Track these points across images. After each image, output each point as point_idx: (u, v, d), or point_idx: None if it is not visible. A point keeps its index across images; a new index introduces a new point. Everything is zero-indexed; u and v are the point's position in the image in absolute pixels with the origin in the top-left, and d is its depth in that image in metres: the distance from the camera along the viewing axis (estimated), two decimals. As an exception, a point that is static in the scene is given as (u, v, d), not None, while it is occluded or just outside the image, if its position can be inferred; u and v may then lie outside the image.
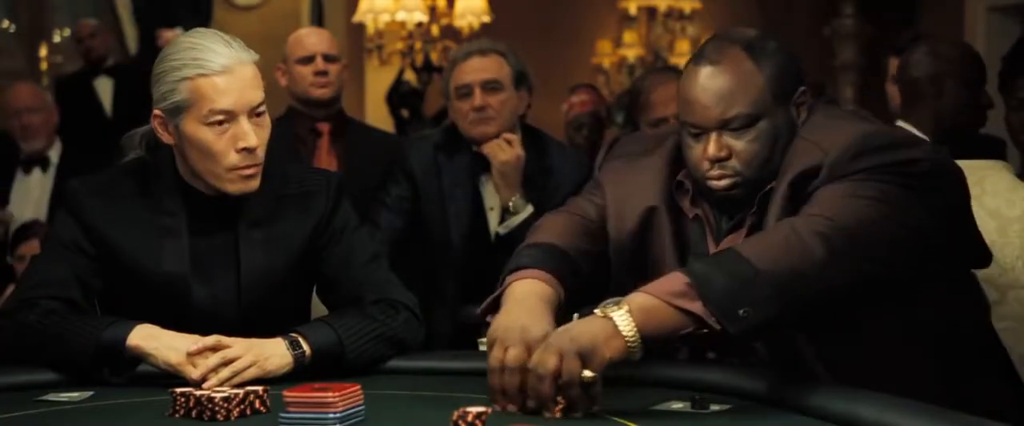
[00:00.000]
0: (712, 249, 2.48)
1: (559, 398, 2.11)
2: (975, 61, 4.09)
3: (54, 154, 6.14)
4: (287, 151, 4.35)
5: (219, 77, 2.61)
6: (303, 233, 2.80)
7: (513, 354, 2.19)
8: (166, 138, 2.71)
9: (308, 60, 4.51)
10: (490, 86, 4.00)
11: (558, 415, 2.09)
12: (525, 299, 2.38)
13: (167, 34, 8.22)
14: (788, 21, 7.61)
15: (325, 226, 2.81)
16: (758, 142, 2.39)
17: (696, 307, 2.15)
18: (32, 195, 6.09)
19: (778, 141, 2.40)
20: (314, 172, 2.96)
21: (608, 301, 2.20)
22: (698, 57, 2.45)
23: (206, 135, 2.64)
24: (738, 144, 2.39)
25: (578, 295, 2.54)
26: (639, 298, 2.18)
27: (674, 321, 2.17)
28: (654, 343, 2.17)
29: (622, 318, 2.14)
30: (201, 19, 8.72)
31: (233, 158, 2.65)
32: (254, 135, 2.64)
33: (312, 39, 4.61)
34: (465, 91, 4.01)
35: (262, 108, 2.67)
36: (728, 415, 2.16)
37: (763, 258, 2.18)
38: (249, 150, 2.64)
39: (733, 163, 2.39)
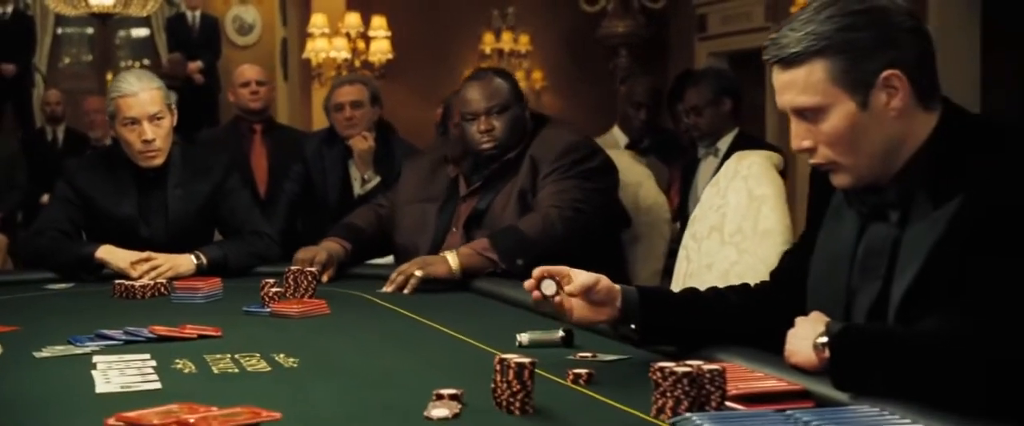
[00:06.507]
0: (463, 191, 2.82)
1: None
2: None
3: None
4: (227, 145, 4.33)
5: (128, 98, 2.82)
6: (207, 192, 2.99)
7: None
8: (112, 133, 2.91)
9: (246, 84, 4.53)
10: (356, 104, 4.01)
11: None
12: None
13: (191, 65, 8.37)
14: (588, 59, 7.70)
15: (219, 187, 3.01)
16: (506, 121, 2.78)
17: (494, 255, 2.55)
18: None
19: (517, 124, 2.80)
20: (216, 155, 3.14)
21: (445, 250, 2.58)
22: (470, 78, 2.88)
23: (123, 132, 2.85)
24: (496, 123, 2.78)
25: (373, 244, 2.95)
26: (463, 249, 2.57)
27: (480, 262, 2.54)
28: (466, 274, 2.52)
29: (452, 257, 2.55)
30: (214, 54, 8.66)
31: (139, 146, 2.85)
32: (151, 132, 2.82)
33: (249, 71, 4.61)
34: (339, 107, 4.03)
35: (160, 115, 2.84)
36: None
37: (532, 232, 2.59)
38: (147, 142, 2.82)
39: (495, 133, 2.78)
